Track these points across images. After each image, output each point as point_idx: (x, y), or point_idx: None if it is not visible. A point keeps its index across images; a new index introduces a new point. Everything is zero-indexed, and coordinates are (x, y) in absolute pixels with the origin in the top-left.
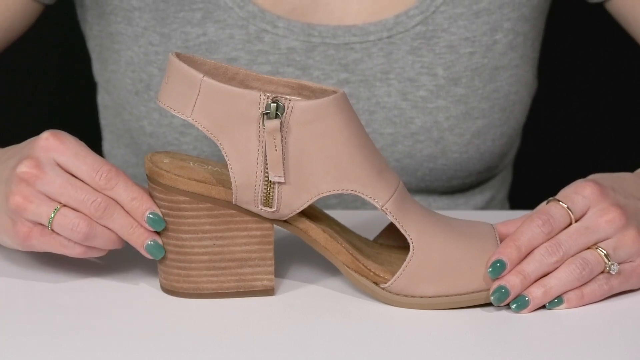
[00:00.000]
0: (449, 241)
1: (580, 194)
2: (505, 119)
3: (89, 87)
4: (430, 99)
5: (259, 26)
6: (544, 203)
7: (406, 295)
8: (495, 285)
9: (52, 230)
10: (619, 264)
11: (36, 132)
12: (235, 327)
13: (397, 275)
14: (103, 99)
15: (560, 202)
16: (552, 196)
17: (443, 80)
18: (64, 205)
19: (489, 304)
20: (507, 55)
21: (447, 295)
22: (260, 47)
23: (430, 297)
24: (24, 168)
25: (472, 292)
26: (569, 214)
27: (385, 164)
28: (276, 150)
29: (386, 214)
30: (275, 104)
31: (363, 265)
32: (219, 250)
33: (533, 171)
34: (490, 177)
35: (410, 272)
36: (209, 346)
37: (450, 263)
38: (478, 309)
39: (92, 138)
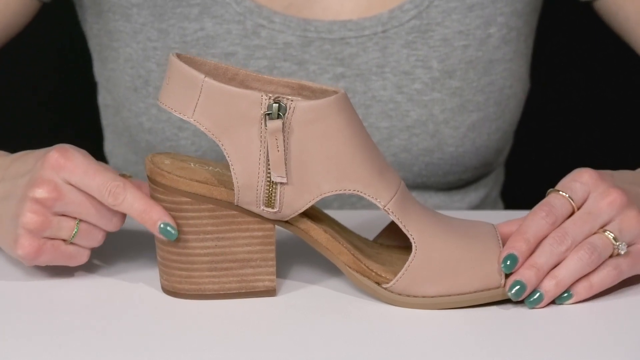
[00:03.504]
0: (450, 241)
1: (579, 181)
2: (500, 113)
3: (90, 89)
4: (425, 91)
5: (255, 21)
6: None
7: (408, 295)
8: (510, 281)
9: (72, 242)
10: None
11: (37, 134)
12: (236, 327)
13: (399, 275)
14: (104, 99)
15: (560, 192)
16: (545, 193)
17: (438, 72)
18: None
19: (490, 304)
20: (501, 49)
21: (449, 295)
22: (257, 42)
23: (432, 297)
24: (43, 194)
25: (474, 292)
26: (570, 202)
27: (386, 164)
28: (278, 150)
29: (388, 213)
30: (277, 105)
31: (365, 265)
32: (221, 251)
33: (526, 170)
34: (486, 173)
35: (413, 272)
36: (210, 347)
37: (452, 263)
38: (478, 309)
39: (93, 139)
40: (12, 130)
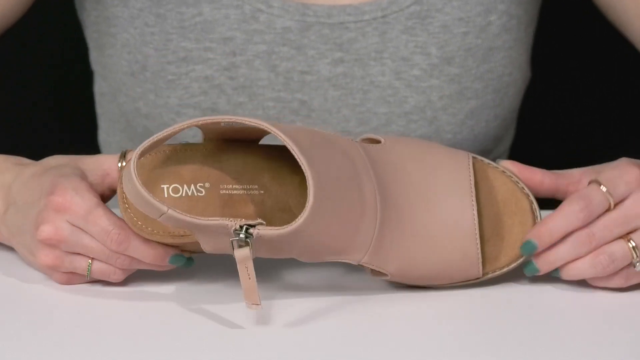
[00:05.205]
0: (426, 265)
1: (624, 179)
2: (499, 101)
3: (81, 80)
4: (423, 77)
5: (254, 6)
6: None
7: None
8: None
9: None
10: None
11: (35, 130)
12: (233, 328)
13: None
14: (100, 87)
15: (602, 187)
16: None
17: (436, 59)
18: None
19: (490, 304)
20: (501, 36)
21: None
22: (256, 27)
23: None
24: (46, 236)
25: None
26: (608, 200)
27: (360, 216)
28: (249, 278)
29: (363, 267)
30: (244, 235)
31: None
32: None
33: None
34: None
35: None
36: (211, 347)
37: (427, 280)
38: (478, 309)
39: (87, 129)
40: (6, 125)
